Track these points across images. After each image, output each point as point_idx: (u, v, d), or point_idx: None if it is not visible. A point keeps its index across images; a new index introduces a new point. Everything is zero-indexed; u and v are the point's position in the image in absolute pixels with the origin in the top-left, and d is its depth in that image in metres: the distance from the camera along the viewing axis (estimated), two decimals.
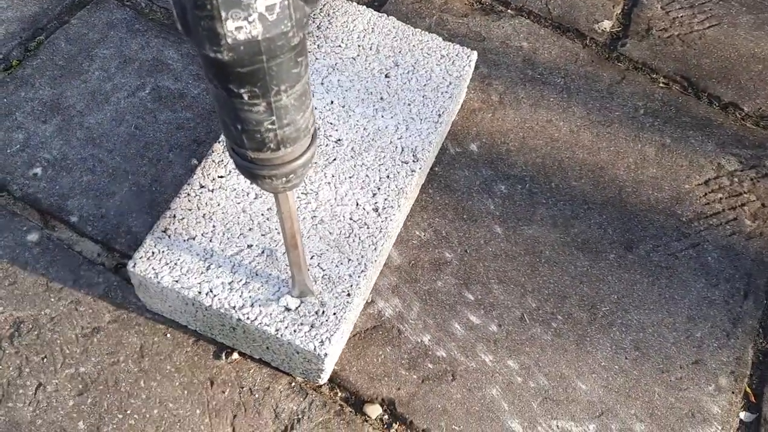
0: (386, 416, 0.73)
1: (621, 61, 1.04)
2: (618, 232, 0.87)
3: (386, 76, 0.87)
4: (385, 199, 0.77)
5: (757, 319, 0.82)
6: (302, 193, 0.77)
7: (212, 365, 0.74)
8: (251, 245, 0.72)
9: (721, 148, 0.96)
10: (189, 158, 0.88)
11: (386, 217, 0.76)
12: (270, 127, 0.48)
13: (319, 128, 0.82)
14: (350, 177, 0.78)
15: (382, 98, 0.85)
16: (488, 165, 0.91)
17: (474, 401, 0.74)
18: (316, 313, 0.68)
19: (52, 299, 0.77)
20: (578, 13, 1.09)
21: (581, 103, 0.99)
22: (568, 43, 1.05)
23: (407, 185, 0.78)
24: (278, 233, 0.73)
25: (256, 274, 0.70)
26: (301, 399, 0.73)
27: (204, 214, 0.74)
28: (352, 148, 0.80)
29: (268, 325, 0.67)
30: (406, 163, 0.80)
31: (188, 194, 0.75)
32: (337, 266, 0.72)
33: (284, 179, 0.53)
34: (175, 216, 0.74)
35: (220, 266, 0.71)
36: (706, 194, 0.91)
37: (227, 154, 0.79)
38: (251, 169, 0.52)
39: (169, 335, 0.76)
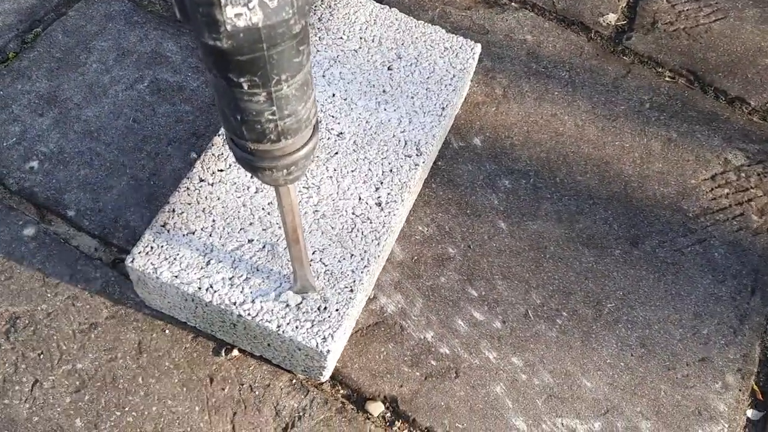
0: (388, 414, 0.72)
1: (626, 54, 1.03)
2: (623, 227, 0.86)
3: (389, 69, 0.85)
4: (388, 194, 0.76)
5: (764, 316, 0.81)
6: (304, 187, 0.75)
7: (212, 362, 0.73)
8: (252, 240, 0.71)
9: (728, 142, 0.94)
10: (188, 152, 0.87)
11: (389, 212, 0.74)
12: (270, 117, 0.47)
13: (320, 121, 0.80)
14: (353, 171, 0.77)
15: (384, 91, 0.83)
16: (492, 159, 0.90)
17: (478, 399, 0.73)
18: (319, 309, 0.67)
19: (49, 294, 0.76)
20: (583, 6, 1.07)
21: (586, 97, 0.97)
22: (572, 37, 1.04)
23: (410, 179, 0.77)
24: (279, 228, 0.72)
25: (257, 270, 0.69)
26: (302, 396, 0.72)
27: (204, 209, 0.73)
28: (355, 142, 0.79)
29: (269, 322, 0.66)
30: (410, 156, 0.79)
31: (187, 188, 0.74)
32: (339, 261, 0.70)
33: (285, 171, 0.52)
34: (174, 210, 0.72)
35: (220, 261, 0.69)
36: (712, 189, 0.90)
37: (227, 146, 0.77)
38: (251, 161, 0.51)
39: (167, 331, 0.74)
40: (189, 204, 0.73)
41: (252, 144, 0.49)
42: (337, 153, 0.78)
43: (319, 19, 0.90)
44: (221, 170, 0.76)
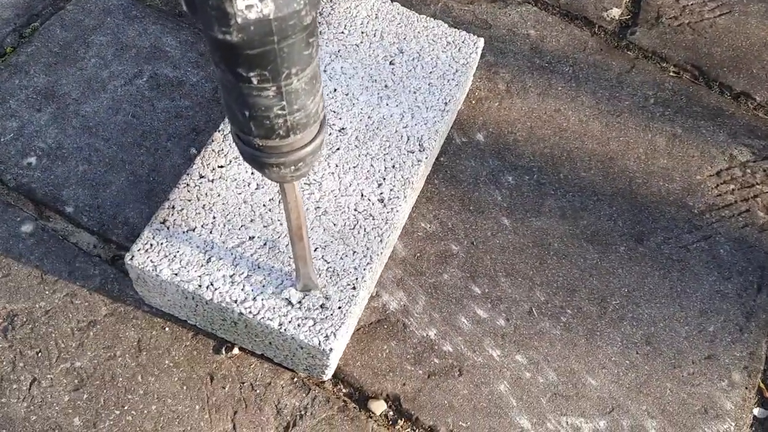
0: (391, 412, 0.71)
1: (630, 49, 1.02)
2: (628, 224, 0.85)
3: (391, 63, 0.84)
4: (391, 190, 0.75)
5: None
6: (305, 183, 0.74)
7: (212, 360, 0.72)
8: (253, 237, 0.70)
9: (733, 138, 0.94)
10: (188, 147, 0.86)
11: (392, 208, 0.73)
12: (279, 112, 0.46)
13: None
14: (354, 167, 0.76)
15: (386, 86, 0.82)
16: (495, 155, 0.89)
17: (481, 397, 0.72)
18: (321, 307, 0.66)
19: (47, 292, 0.75)
20: (587, 0, 1.06)
21: (590, 93, 0.96)
22: (576, 31, 1.03)
23: (413, 175, 0.76)
24: (281, 224, 0.71)
25: (259, 267, 0.68)
26: (304, 395, 0.71)
27: (204, 205, 0.72)
28: (357, 137, 0.78)
29: (270, 320, 0.65)
30: (412, 152, 0.78)
31: (187, 184, 0.73)
32: (341, 258, 0.70)
33: (293, 168, 0.51)
34: (173, 207, 0.71)
35: (220, 259, 0.68)
36: (717, 185, 0.89)
37: (227, 143, 0.76)
38: (258, 158, 0.50)
39: (167, 329, 0.73)
40: (189, 201, 0.72)
41: (260, 140, 0.48)
42: (338, 149, 0.77)
43: (320, 13, 0.88)
44: (221, 166, 0.75)
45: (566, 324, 0.77)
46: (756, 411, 0.74)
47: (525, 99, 0.95)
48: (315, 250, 0.70)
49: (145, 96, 0.90)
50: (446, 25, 0.88)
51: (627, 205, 0.86)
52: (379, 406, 0.71)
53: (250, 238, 0.70)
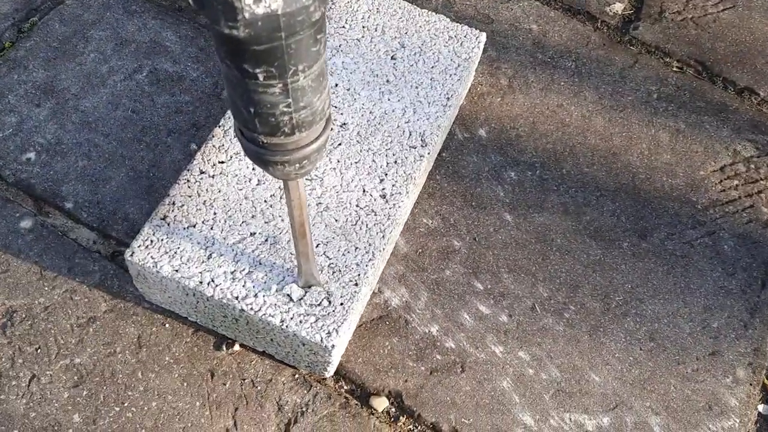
0: (393, 409, 0.71)
1: (633, 44, 1.01)
2: (631, 219, 0.84)
3: (392, 58, 0.84)
4: (393, 185, 0.74)
5: None
6: (307, 179, 0.74)
7: (212, 356, 0.72)
8: (254, 233, 0.70)
9: (737, 133, 0.93)
10: (188, 143, 0.85)
11: (394, 204, 0.73)
12: (285, 110, 0.45)
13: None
14: (356, 162, 0.75)
15: (388, 81, 0.82)
16: (497, 151, 0.88)
17: (484, 393, 0.72)
18: (323, 303, 0.66)
19: (46, 288, 0.74)
20: None
21: (593, 88, 0.96)
22: (579, 26, 1.02)
23: (415, 171, 0.75)
24: (282, 220, 0.71)
25: (260, 263, 0.68)
26: (305, 391, 0.70)
27: (204, 201, 0.71)
28: (358, 133, 0.78)
29: (272, 316, 0.65)
30: (414, 147, 0.77)
31: (188, 180, 0.73)
32: (343, 255, 0.69)
33: (297, 165, 0.50)
34: (174, 203, 0.71)
35: (221, 255, 0.68)
36: (721, 181, 0.89)
37: (228, 138, 0.76)
38: (262, 155, 0.49)
39: (167, 325, 0.73)
40: (189, 196, 0.71)
41: (264, 137, 0.47)
42: (340, 144, 0.77)
43: None
44: (222, 162, 0.74)
45: (569, 320, 0.77)
46: (761, 407, 0.74)
47: (527, 94, 0.94)
48: (317, 247, 0.69)
49: (145, 91, 0.89)
50: (448, 20, 0.88)
51: (630, 201, 0.86)
52: (381, 403, 0.71)
53: (251, 234, 0.69)
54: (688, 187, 0.88)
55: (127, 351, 0.71)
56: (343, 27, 0.86)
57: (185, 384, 0.70)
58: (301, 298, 0.66)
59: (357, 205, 0.72)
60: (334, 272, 0.68)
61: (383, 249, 0.71)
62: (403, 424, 0.70)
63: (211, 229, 0.69)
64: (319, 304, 0.66)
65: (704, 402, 0.73)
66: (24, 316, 0.72)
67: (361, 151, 0.76)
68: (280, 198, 0.72)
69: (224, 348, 0.72)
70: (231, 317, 0.68)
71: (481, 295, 0.77)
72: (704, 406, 0.73)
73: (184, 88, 0.90)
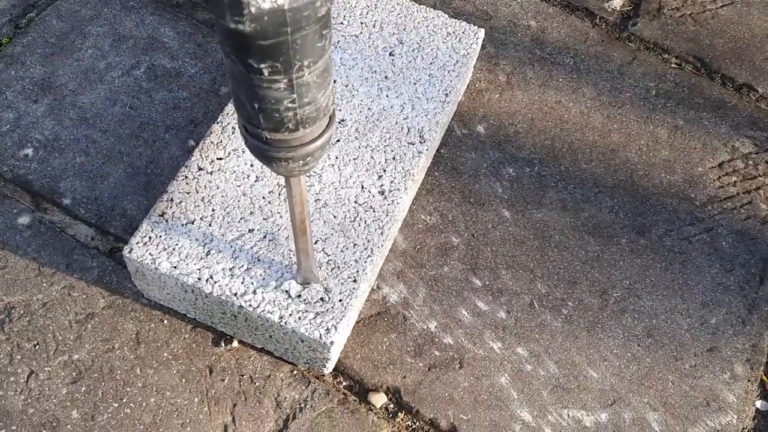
0: (391, 405, 0.71)
1: (632, 41, 1.01)
2: (630, 216, 0.84)
3: (390, 54, 0.84)
4: (391, 182, 0.74)
5: None
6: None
7: (211, 352, 0.72)
8: (252, 230, 0.69)
9: (735, 130, 0.93)
10: (186, 139, 0.85)
11: (392, 201, 0.73)
12: (290, 105, 0.45)
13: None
14: (355, 159, 0.75)
15: (386, 77, 0.82)
16: (496, 147, 0.88)
17: (482, 390, 0.72)
18: (322, 299, 0.66)
19: (44, 284, 0.74)
20: None
21: (591, 84, 0.96)
22: (577, 23, 1.02)
23: (414, 167, 0.75)
24: (280, 217, 0.70)
25: (258, 260, 0.68)
26: (304, 387, 0.70)
27: (203, 198, 0.71)
28: (357, 129, 0.77)
29: (271, 313, 0.65)
30: (413, 144, 0.77)
31: (186, 177, 0.72)
32: (342, 251, 0.69)
33: (301, 162, 0.50)
34: (172, 199, 0.71)
35: (220, 251, 0.68)
36: (719, 177, 0.89)
37: (226, 135, 0.76)
38: (266, 151, 0.49)
39: (165, 321, 0.73)
40: (187, 193, 0.71)
41: (268, 133, 0.47)
42: (338, 140, 0.76)
43: None
44: (220, 158, 0.74)
45: (567, 316, 0.77)
46: (759, 403, 0.74)
47: (526, 90, 0.94)
48: (315, 243, 0.69)
49: (143, 87, 0.89)
50: (446, 16, 0.88)
51: (628, 197, 0.86)
52: (379, 399, 0.71)
53: (249, 230, 0.69)
54: (686, 183, 0.88)
55: (125, 347, 0.71)
56: (342, 23, 0.86)
57: (184, 380, 0.70)
58: (300, 295, 0.66)
59: (355, 202, 0.72)
60: (332, 269, 0.68)
61: (382, 245, 0.71)
62: (402, 419, 0.70)
63: (210, 225, 0.69)
64: (317, 301, 0.66)
65: (702, 398, 0.73)
66: (22, 312, 0.72)
67: (359, 147, 0.76)
68: (279, 194, 0.72)
69: (223, 344, 0.72)
70: (230, 314, 0.68)
71: (480, 292, 0.78)
72: (702, 402, 0.73)
73: (182, 84, 0.90)
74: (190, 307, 0.71)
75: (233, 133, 0.76)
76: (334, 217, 0.71)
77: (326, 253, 0.69)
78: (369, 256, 0.69)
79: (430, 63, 0.83)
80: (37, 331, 0.71)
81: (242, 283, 0.66)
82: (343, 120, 0.78)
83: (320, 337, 0.64)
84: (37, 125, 0.85)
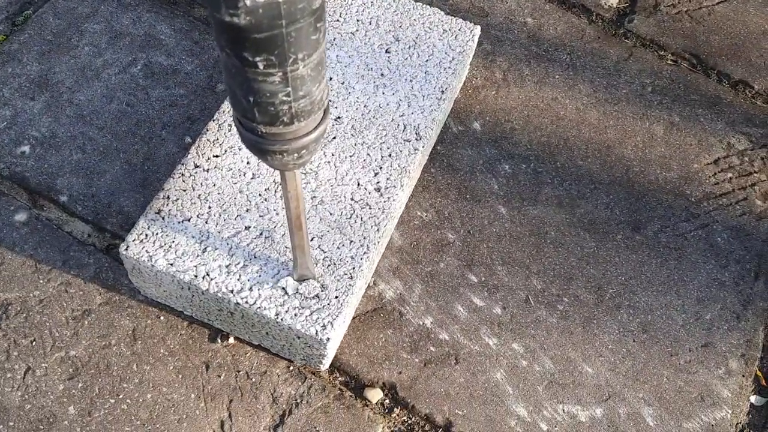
0: (387, 400, 0.71)
1: (628, 37, 1.01)
2: (625, 212, 0.85)
3: (387, 52, 0.84)
4: (387, 179, 0.74)
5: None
6: (301, 173, 0.74)
7: (207, 349, 0.72)
8: (249, 227, 0.70)
9: (731, 126, 0.93)
10: (182, 136, 0.85)
11: (389, 197, 0.73)
12: (285, 99, 0.45)
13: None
14: (351, 156, 0.75)
15: (382, 74, 0.82)
16: (492, 144, 0.89)
17: (478, 385, 0.72)
18: (318, 296, 0.66)
19: (41, 281, 0.74)
20: None
21: (587, 81, 0.96)
22: (573, 19, 1.02)
23: (410, 164, 0.76)
24: (277, 214, 0.71)
25: (255, 257, 0.68)
26: (300, 383, 0.71)
27: (199, 195, 0.71)
28: (353, 126, 0.78)
29: (267, 310, 0.65)
30: (409, 141, 0.77)
31: (182, 174, 0.73)
32: (338, 248, 0.69)
33: (296, 155, 0.50)
34: (168, 197, 0.71)
35: (216, 249, 0.68)
36: (715, 174, 0.89)
37: (222, 132, 0.76)
38: (261, 145, 0.49)
39: (162, 318, 0.73)
40: (184, 190, 0.72)
41: (263, 127, 0.47)
42: (334, 138, 0.77)
43: None
44: (217, 156, 0.74)
45: (563, 312, 0.77)
46: (753, 398, 0.74)
47: (522, 87, 0.94)
48: (311, 240, 0.70)
49: (140, 84, 0.89)
50: (442, 13, 0.88)
51: (624, 194, 0.86)
52: (375, 395, 0.71)
53: (246, 227, 0.70)
54: (681, 179, 0.88)
55: (122, 343, 0.71)
56: (338, 20, 0.86)
57: (180, 376, 0.70)
58: (296, 292, 0.66)
59: (352, 199, 0.73)
60: (328, 265, 0.68)
61: (378, 242, 0.71)
62: (397, 415, 0.70)
63: (206, 222, 0.70)
64: (314, 297, 0.66)
65: (697, 393, 0.73)
66: (19, 308, 0.73)
67: (355, 144, 0.76)
68: (275, 192, 0.72)
69: (219, 340, 0.72)
70: (226, 311, 0.68)
71: (475, 288, 0.78)
72: (697, 397, 0.73)
73: (178, 81, 0.90)
74: (187, 305, 0.71)
75: (230, 130, 0.76)
76: (331, 214, 0.71)
77: (322, 250, 0.69)
78: (365, 252, 0.69)
79: (427, 60, 0.84)
80: (33, 328, 0.72)
81: (238, 280, 0.66)
82: (339, 117, 0.78)
83: (316, 333, 0.64)
84: (33, 122, 0.85)
